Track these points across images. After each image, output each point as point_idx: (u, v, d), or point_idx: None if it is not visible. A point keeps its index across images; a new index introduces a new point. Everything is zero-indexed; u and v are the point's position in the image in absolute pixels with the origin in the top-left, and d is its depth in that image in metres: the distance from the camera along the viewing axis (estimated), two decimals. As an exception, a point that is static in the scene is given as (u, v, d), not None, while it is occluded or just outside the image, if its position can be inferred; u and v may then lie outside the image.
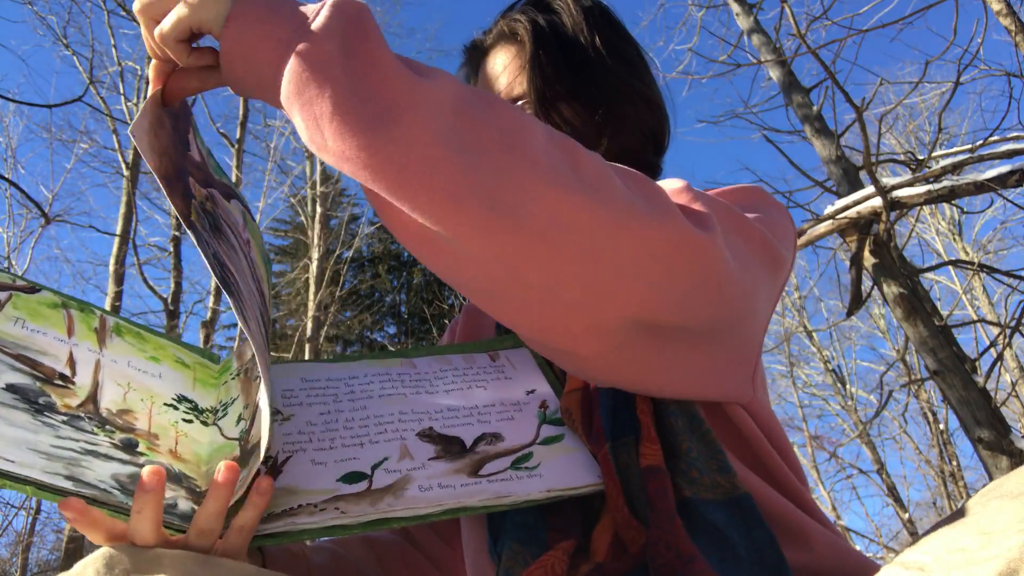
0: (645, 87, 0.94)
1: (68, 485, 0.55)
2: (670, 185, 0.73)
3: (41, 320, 0.71)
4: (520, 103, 0.90)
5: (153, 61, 0.66)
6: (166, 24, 0.61)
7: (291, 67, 0.58)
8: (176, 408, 0.73)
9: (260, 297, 0.74)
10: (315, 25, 0.59)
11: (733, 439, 0.75)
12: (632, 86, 0.91)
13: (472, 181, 0.57)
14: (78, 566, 0.55)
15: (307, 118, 0.58)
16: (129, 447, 0.64)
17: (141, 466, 0.61)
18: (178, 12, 0.60)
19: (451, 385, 0.83)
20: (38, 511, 9.73)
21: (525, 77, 0.89)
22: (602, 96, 0.89)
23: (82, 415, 0.64)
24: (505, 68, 0.92)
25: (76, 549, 7.64)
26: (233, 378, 0.79)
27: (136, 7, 0.63)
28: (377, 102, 0.57)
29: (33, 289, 0.74)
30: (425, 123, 0.56)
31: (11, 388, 0.61)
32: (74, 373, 0.68)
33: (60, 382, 0.66)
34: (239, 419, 0.72)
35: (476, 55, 0.99)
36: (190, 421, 0.72)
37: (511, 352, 0.91)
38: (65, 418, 0.62)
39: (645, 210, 0.61)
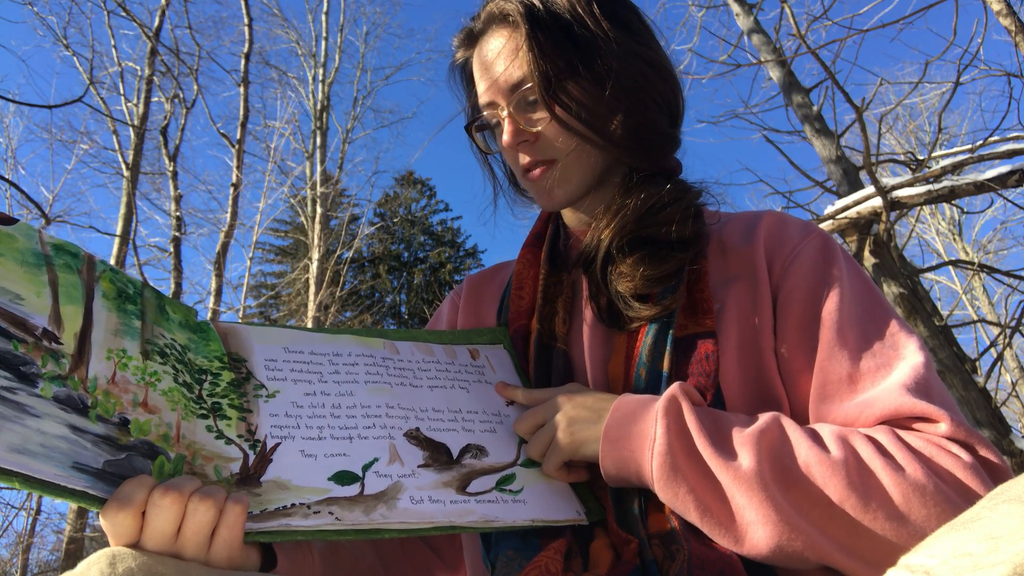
0: (651, 52, 0.89)
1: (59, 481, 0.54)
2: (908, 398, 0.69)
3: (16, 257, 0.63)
4: (524, 87, 0.86)
5: None
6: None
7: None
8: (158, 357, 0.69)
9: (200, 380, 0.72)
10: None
11: None
12: (638, 53, 0.86)
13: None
14: (82, 565, 0.55)
15: None
16: (122, 425, 0.61)
17: (125, 449, 0.60)
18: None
19: (434, 381, 0.84)
20: (38, 511, 9.73)
21: (524, 60, 0.84)
22: (608, 69, 0.83)
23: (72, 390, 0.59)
24: (499, 54, 0.87)
25: (76, 550, 7.64)
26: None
27: None
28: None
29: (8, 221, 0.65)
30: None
31: None
32: (60, 329, 0.62)
33: (45, 341, 0.60)
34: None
35: (467, 44, 0.94)
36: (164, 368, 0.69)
37: (490, 351, 0.91)
38: (51, 397, 0.57)
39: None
